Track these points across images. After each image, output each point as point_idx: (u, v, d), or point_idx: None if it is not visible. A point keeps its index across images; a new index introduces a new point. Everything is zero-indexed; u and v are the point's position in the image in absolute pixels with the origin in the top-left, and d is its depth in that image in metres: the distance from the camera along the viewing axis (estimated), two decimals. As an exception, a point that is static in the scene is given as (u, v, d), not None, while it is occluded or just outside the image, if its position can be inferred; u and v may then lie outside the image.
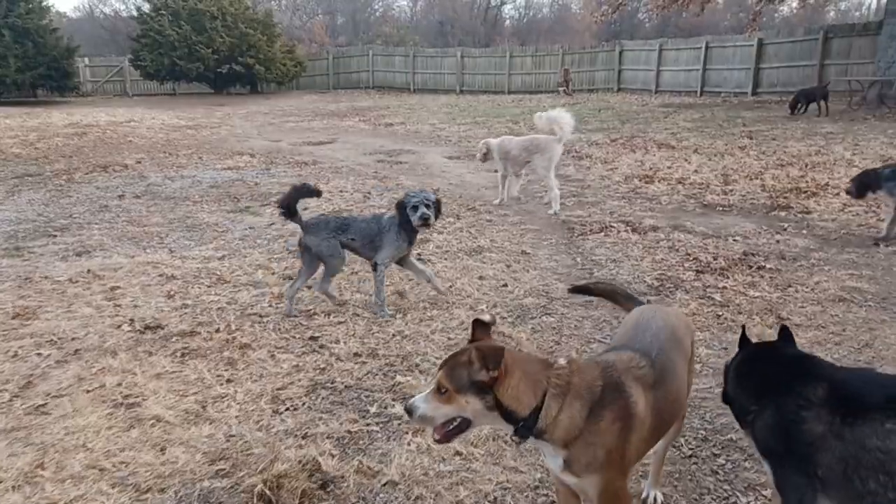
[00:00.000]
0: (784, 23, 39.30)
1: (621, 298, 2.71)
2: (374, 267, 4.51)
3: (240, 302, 4.76)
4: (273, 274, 5.38)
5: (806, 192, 7.75)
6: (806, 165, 9.40)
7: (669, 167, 9.77)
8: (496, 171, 8.11)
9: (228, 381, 3.56)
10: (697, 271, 5.18)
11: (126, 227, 7.05)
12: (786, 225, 6.53)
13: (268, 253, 6.09)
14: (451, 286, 5.00)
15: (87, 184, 9.79)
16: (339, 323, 4.33)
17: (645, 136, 13.42)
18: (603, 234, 6.50)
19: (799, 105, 15.57)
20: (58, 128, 18.07)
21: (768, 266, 5.24)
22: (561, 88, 27.36)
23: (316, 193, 4.55)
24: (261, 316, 4.49)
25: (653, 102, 22.14)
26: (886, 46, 15.69)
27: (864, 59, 18.89)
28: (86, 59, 35.13)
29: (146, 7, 30.76)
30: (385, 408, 3.26)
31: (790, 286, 4.82)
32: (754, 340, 2.30)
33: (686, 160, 10.33)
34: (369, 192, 8.72)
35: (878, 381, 2.09)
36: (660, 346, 2.17)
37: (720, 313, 4.35)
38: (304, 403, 3.32)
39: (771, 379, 2.12)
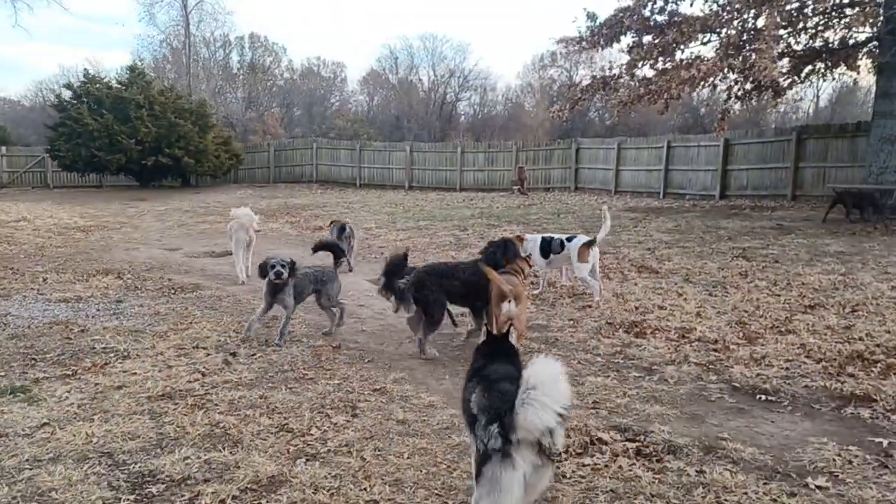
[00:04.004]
0: (736, 122, 38.89)
1: None
2: None
3: None
4: None
5: (876, 362, 5.27)
6: (843, 307, 7.01)
7: (661, 307, 7.27)
8: None
9: None
10: None
11: None
12: (885, 441, 3.95)
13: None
14: None
15: None
16: None
17: (617, 252, 11.08)
18: (587, 457, 3.82)
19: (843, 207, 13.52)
20: (-76, 228, 15.02)
21: None
22: (515, 187, 25.49)
23: None
24: None
25: (616, 205, 20.21)
26: (878, 150, 14.04)
27: (843, 163, 17.41)
28: (3, 149, 32.37)
29: (67, 94, 28.27)
30: None
31: None
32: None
33: (679, 294, 7.88)
34: (235, 353, 5.90)
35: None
36: None
37: None
38: None
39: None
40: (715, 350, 5.76)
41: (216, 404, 4.67)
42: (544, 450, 2.56)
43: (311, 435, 4.16)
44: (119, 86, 28.07)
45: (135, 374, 5.33)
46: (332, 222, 11.41)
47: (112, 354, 5.85)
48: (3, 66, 71.31)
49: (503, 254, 6.25)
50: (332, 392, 4.90)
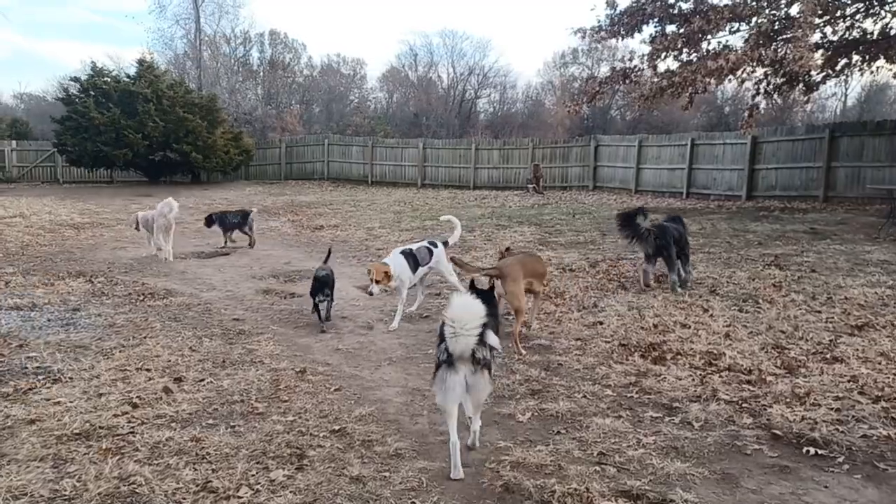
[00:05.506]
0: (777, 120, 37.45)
1: None
2: None
3: None
4: None
5: (950, 406, 4.29)
6: (897, 329, 6.02)
7: (684, 325, 6.32)
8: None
9: None
10: None
11: None
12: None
13: None
14: None
15: None
16: None
17: (636, 257, 10.10)
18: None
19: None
20: None
21: None
22: (531, 185, 24.51)
23: None
24: None
25: (636, 205, 19.16)
26: (922, 149, 12.89)
27: (880, 163, 16.22)
28: (13, 143, 32.02)
29: (75, 88, 27.76)
30: None
31: None
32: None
33: (705, 309, 6.91)
34: (181, 377, 5.07)
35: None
36: None
37: None
38: None
39: None
40: (749, 382, 4.80)
41: (137, 449, 3.83)
42: (478, 361, 3.44)
43: (239, 498, 3.30)
44: (127, 79, 27.51)
45: (58, 402, 4.52)
46: (209, 215, 12.88)
47: (42, 377, 5.06)
48: (27, 61, 71.74)
49: None
50: (280, 433, 4.04)
